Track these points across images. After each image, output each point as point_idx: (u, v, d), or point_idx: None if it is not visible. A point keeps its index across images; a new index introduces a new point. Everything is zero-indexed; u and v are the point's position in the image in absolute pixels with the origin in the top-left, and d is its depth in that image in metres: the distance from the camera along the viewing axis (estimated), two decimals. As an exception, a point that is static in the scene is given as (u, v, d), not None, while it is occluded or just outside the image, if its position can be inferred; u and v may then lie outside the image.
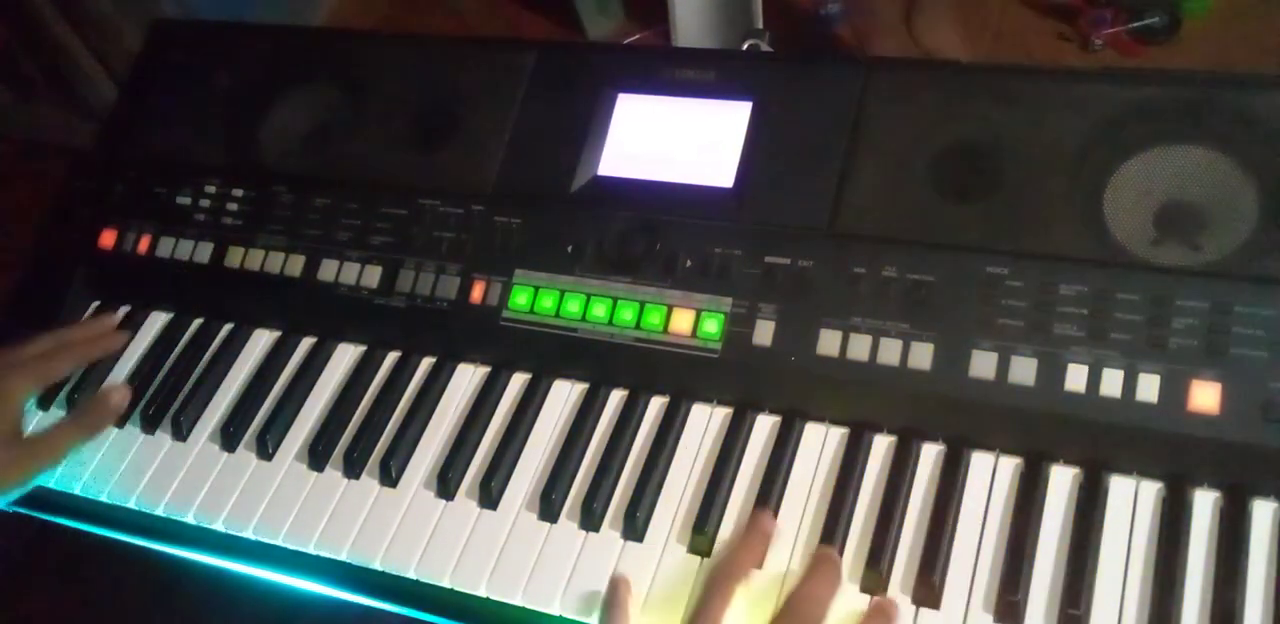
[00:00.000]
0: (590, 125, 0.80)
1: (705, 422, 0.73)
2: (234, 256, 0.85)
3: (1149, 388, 0.63)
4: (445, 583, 0.70)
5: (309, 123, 0.88)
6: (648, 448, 0.72)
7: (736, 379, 0.72)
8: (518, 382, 0.78)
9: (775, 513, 0.68)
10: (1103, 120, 0.70)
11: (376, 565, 0.72)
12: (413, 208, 0.81)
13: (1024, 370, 0.66)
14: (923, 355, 0.68)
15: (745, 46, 1.11)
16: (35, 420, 0.84)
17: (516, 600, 0.69)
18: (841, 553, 0.66)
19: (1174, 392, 0.63)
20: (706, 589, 0.64)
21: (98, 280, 0.90)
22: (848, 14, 1.55)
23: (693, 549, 0.68)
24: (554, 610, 0.68)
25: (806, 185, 0.74)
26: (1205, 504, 0.64)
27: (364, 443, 0.76)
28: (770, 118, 0.77)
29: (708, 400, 0.74)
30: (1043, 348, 0.66)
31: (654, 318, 0.74)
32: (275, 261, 0.83)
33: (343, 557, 0.73)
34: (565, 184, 0.79)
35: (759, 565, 0.66)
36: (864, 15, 1.55)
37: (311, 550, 0.74)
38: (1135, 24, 1.49)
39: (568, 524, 0.71)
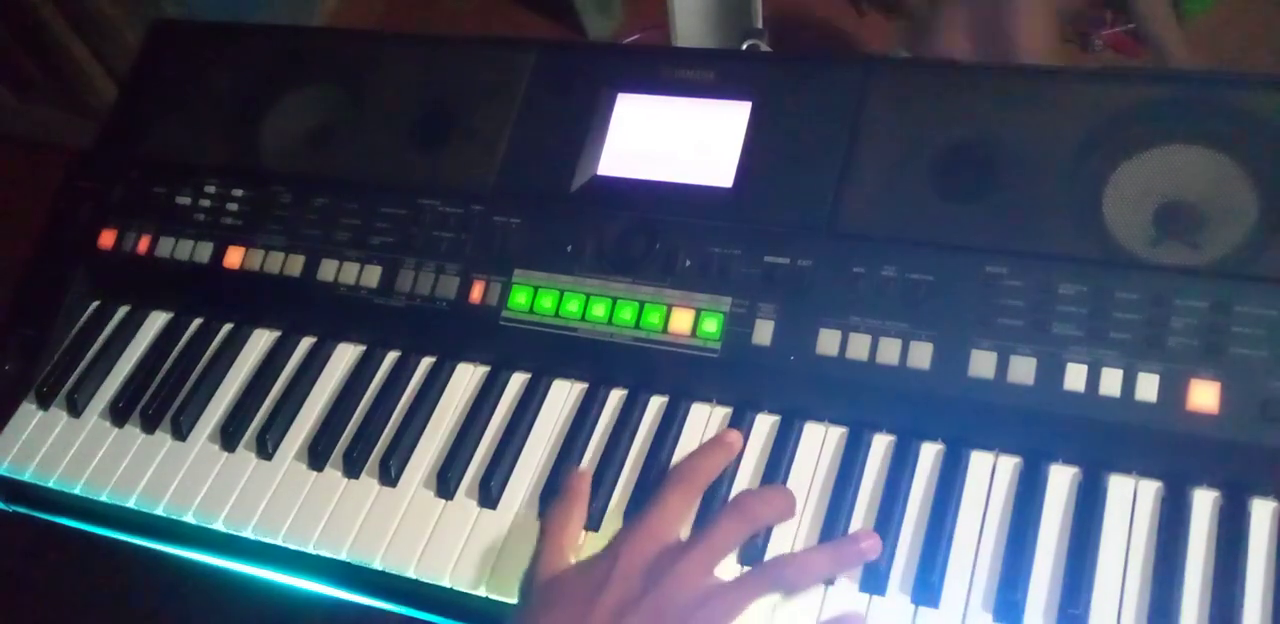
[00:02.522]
0: (590, 125, 0.80)
1: (705, 421, 0.73)
2: (233, 257, 0.85)
3: (1148, 387, 0.63)
4: (445, 582, 0.70)
5: (309, 123, 0.88)
6: (647, 447, 0.73)
7: (736, 379, 0.72)
8: (517, 381, 0.78)
9: (775, 512, 0.68)
10: (1103, 120, 0.70)
11: (376, 565, 0.72)
12: (412, 208, 0.81)
13: (1023, 370, 0.66)
14: (922, 355, 0.68)
15: (745, 46, 1.11)
16: (34, 420, 0.85)
17: (516, 600, 0.69)
18: (841, 552, 0.66)
19: (1173, 391, 0.63)
20: (662, 489, 0.66)
21: (98, 280, 0.90)
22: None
23: (692, 548, 0.68)
24: (553, 610, 0.68)
25: (806, 185, 0.74)
26: (1204, 503, 0.64)
27: (364, 442, 0.76)
28: (770, 118, 0.77)
29: (707, 400, 0.74)
30: (1042, 347, 0.66)
31: (653, 317, 0.74)
32: (275, 261, 0.84)
33: (342, 556, 0.73)
34: (565, 184, 0.79)
35: (717, 472, 0.68)
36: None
37: (311, 550, 0.74)
38: (1135, 24, 1.49)
39: (567, 524, 0.71)
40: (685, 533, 0.66)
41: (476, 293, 0.78)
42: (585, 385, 0.77)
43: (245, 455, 0.79)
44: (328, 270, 0.82)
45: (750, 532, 0.65)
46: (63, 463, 0.82)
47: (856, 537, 0.65)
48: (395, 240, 0.81)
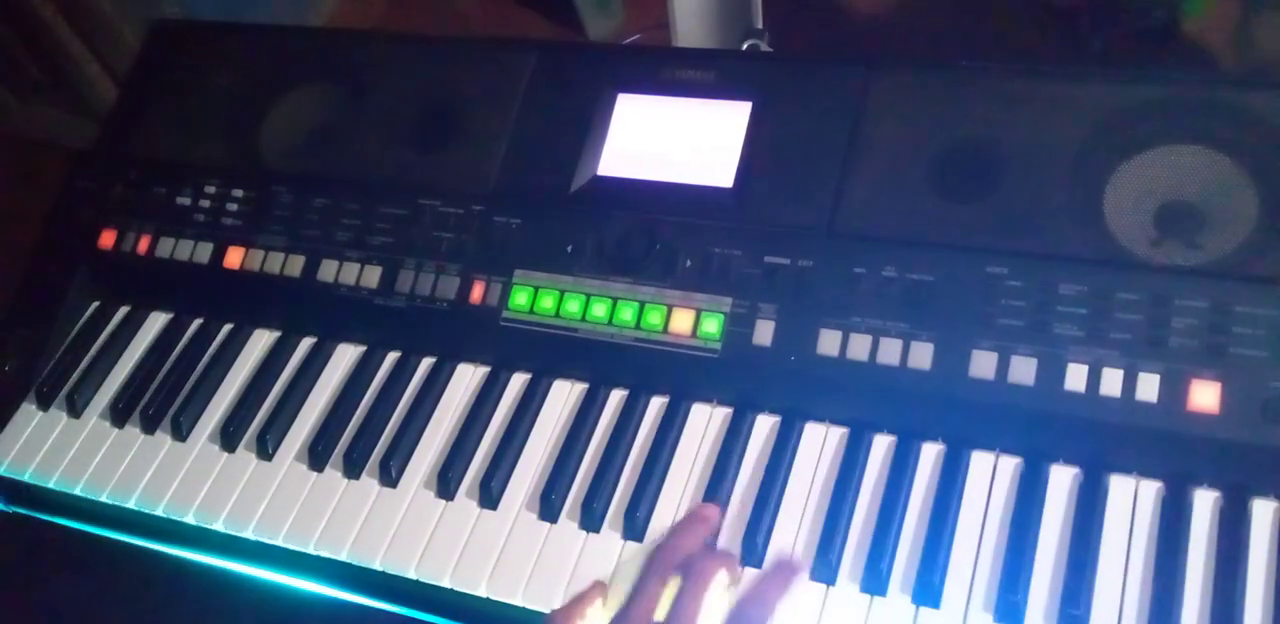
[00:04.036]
0: (590, 125, 0.80)
1: (705, 421, 0.73)
2: (234, 257, 0.85)
3: (1149, 387, 0.63)
4: (445, 583, 0.70)
5: (309, 123, 0.88)
6: (648, 448, 0.72)
7: (736, 379, 0.72)
8: (518, 381, 0.78)
9: (775, 513, 0.68)
10: (1103, 120, 0.70)
11: (377, 565, 0.72)
12: (412, 208, 0.81)
13: (1024, 370, 0.66)
14: (923, 355, 0.68)
15: (745, 46, 1.11)
16: (34, 421, 0.85)
17: (516, 600, 0.69)
18: (841, 553, 0.66)
19: (1174, 391, 0.63)
20: (643, 570, 0.64)
21: (98, 280, 0.90)
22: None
23: (693, 549, 0.68)
24: (554, 610, 0.68)
25: (806, 185, 0.74)
26: (1205, 503, 0.64)
27: (364, 443, 0.76)
28: (770, 118, 0.77)
29: (708, 400, 0.74)
30: (1043, 347, 0.66)
31: (654, 318, 0.74)
32: (275, 262, 0.83)
33: (343, 557, 0.73)
34: (565, 184, 0.79)
35: (697, 549, 0.66)
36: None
37: (311, 550, 0.74)
38: (1135, 24, 1.49)
39: (568, 524, 0.71)
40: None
41: (477, 293, 0.78)
42: (586, 386, 0.77)
43: (245, 456, 0.79)
44: (328, 271, 0.82)
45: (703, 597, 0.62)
46: (63, 463, 0.82)
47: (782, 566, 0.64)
48: (395, 240, 0.81)
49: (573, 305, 0.75)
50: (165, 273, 0.87)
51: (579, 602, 0.66)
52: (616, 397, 0.76)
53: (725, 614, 0.62)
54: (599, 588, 0.67)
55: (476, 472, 0.74)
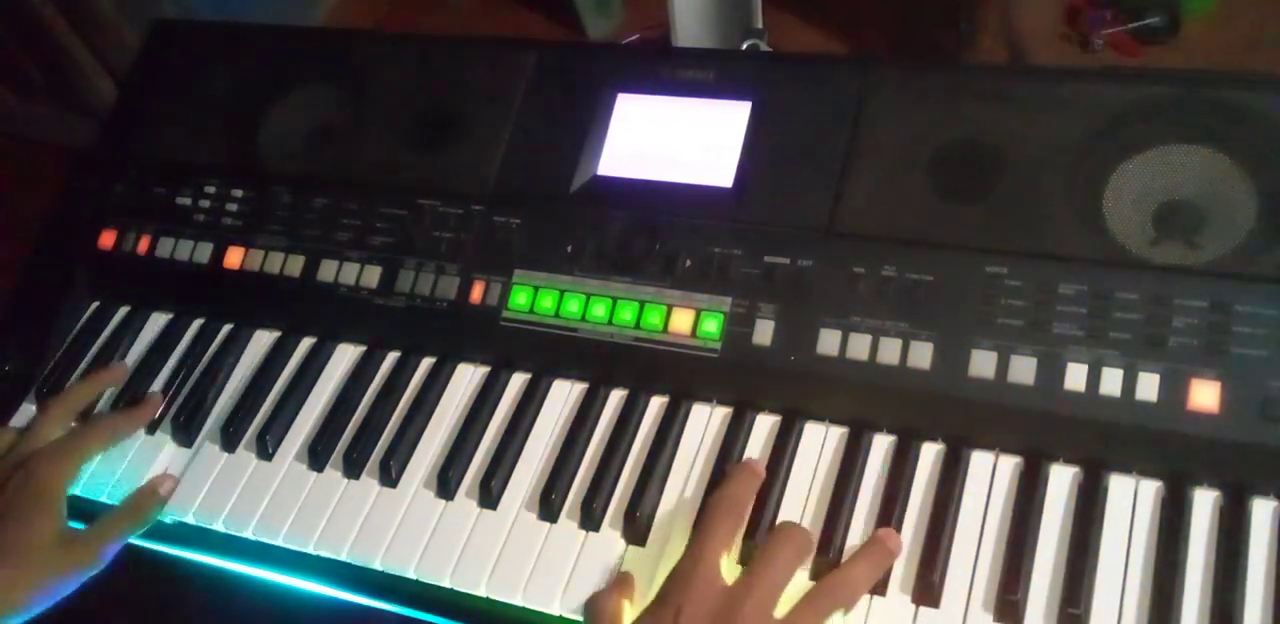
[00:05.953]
0: (590, 125, 0.80)
1: (705, 421, 0.73)
2: (234, 257, 0.85)
3: (1148, 387, 0.63)
4: (445, 583, 0.70)
5: (309, 123, 0.88)
6: (648, 448, 0.72)
7: (736, 379, 0.72)
8: (517, 381, 0.78)
9: (775, 513, 0.68)
10: (1103, 120, 0.70)
11: (376, 565, 0.72)
12: (412, 208, 0.81)
13: (1023, 370, 0.66)
14: (922, 355, 0.68)
15: (745, 46, 1.11)
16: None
17: (516, 600, 0.69)
18: (841, 552, 0.66)
19: (1173, 391, 0.63)
20: (708, 520, 0.65)
21: (98, 280, 0.90)
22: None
23: (692, 549, 0.68)
24: (554, 610, 0.68)
25: (806, 185, 0.74)
26: (1205, 503, 0.64)
27: (364, 443, 0.76)
28: (770, 118, 0.77)
29: (707, 400, 0.74)
30: (1042, 347, 0.66)
31: (654, 318, 0.74)
32: (275, 262, 0.84)
33: (343, 557, 0.73)
34: (565, 184, 0.79)
35: (750, 501, 0.67)
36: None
37: (311, 550, 0.74)
38: (1135, 24, 1.49)
39: (568, 524, 0.71)
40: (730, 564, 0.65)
41: (476, 293, 0.78)
42: (585, 386, 0.77)
43: (245, 456, 0.79)
44: (328, 270, 0.82)
45: (801, 562, 0.64)
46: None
47: (881, 538, 0.65)
48: (395, 240, 0.81)
49: (572, 305, 0.75)
50: (165, 273, 0.87)
51: (617, 585, 0.67)
52: (616, 397, 0.76)
53: (813, 588, 0.62)
54: (628, 576, 0.67)
55: (476, 472, 0.74)
